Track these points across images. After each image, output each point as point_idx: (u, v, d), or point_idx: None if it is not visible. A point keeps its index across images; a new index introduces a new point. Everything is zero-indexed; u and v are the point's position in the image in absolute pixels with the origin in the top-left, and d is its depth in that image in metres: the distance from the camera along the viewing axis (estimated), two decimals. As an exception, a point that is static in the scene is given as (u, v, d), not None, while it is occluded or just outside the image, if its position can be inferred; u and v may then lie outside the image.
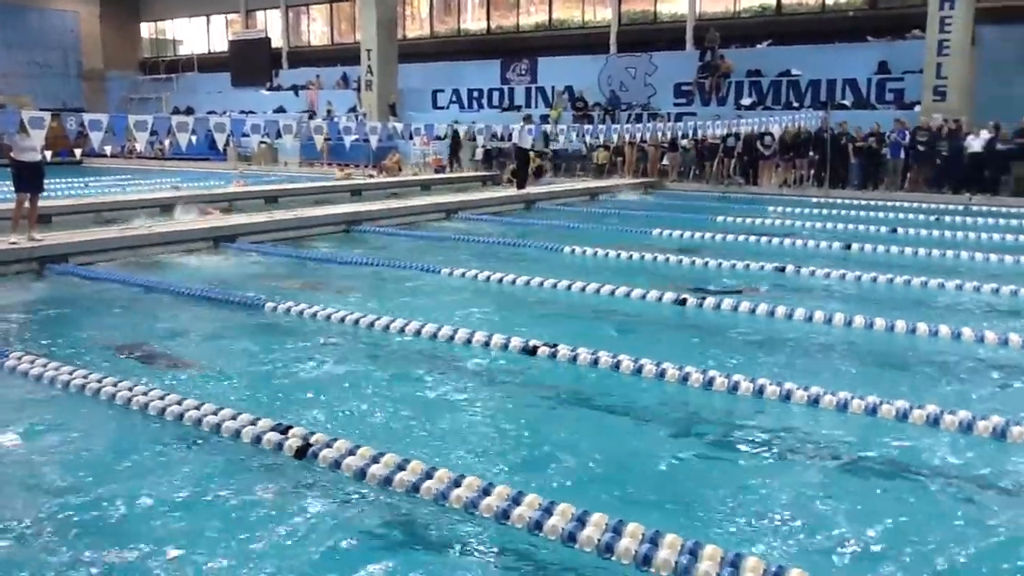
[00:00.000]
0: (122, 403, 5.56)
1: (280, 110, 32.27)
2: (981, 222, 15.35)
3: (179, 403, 5.44)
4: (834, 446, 5.12)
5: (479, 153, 25.36)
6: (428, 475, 4.44)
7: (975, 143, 18.68)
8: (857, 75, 23.53)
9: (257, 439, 4.95)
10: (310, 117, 27.39)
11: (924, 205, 17.67)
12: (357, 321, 7.72)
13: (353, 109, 30.14)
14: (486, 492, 4.25)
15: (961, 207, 17.20)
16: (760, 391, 5.88)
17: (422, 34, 34.60)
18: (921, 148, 19.48)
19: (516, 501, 4.14)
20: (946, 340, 7.35)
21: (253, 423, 5.11)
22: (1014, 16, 23.43)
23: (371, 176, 23.16)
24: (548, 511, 4.05)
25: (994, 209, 16.90)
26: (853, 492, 4.51)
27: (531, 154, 20.40)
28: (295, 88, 34.23)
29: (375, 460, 4.60)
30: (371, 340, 7.39)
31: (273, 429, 5.02)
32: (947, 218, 15.84)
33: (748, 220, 15.24)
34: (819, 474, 4.73)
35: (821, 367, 6.75)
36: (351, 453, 4.68)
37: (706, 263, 11.01)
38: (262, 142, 23.40)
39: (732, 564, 3.61)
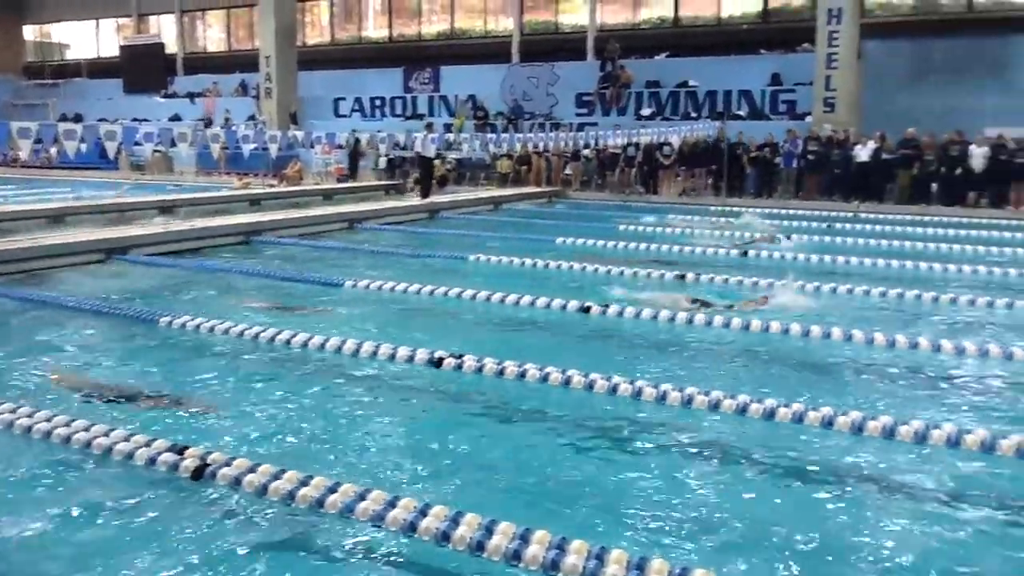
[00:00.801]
0: (3, 427, 5.28)
1: (176, 118, 31.38)
2: (868, 228, 15.97)
3: (67, 425, 5.19)
4: (736, 448, 5.22)
5: (382, 162, 25.16)
6: (332, 489, 4.35)
7: (862, 153, 19.47)
8: (752, 87, 24.29)
9: (152, 461, 4.75)
10: (207, 125, 26.68)
11: (816, 212, 18.32)
12: (257, 335, 7.52)
13: (252, 117, 29.52)
14: (392, 504, 4.19)
15: (850, 214, 17.87)
16: (663, 396, 5.97)
17: (322, 41, 34.18)
18: (812, 157, 20.21)
19: (423, 512, 4.10)
20: (838, 342, 7.61)
21: (147, 444, 4.91)
22: (897, 31, 24.63)
23: (271, 186, 22.71)
24: (455, 521, 4.02)
25: (880, 216, 17.61)
26: (757, 492, 4.61)
27: (435, 163, 20.33)
28: (191, 95, 33.36)
29: (277, 477, 4.48)
30: (273, 354, 7.21)
31: (169, 450, 4.83)
32: (837, 224, 16.45)
33: (649, 228, 15.51)
34: (722, 475, 4.82)
35: (720, 371, 6.90)
36: (251, 471, 4.55)
37: (608, 271, 11.15)
38: (156, 151, 22.69)
39: (638, 567, 3.64)
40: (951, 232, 15.39)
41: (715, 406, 5.80)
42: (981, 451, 5.12)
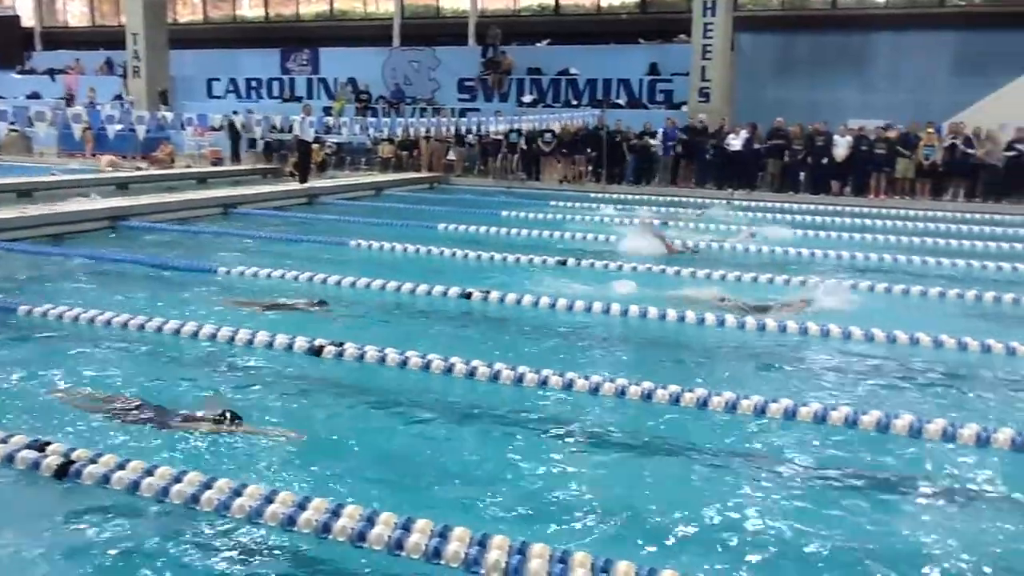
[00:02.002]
0: None
1: (34, 96, 29.57)
2: (741, 215, 16.52)
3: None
4: (614, 430, 5.33)
5: (259, 145, 24.43)
6: (208, 485, 4.20)
7: (735, 142, 20.11)
8: (630, 76, 24.71)
9: (10, 458, 4.48)
10: (68, 104, 25.31)
11: (692, 199, 18.82)
12: (126, 324, 7.20)
13: (119, 97, 28.15)
14: (269, 500, 4.08)
15: (724, 201, 18.42)
16: (544, 382, 6.03)
17: (195, 19, 32.91)
18: (688, 146, 20.74)
19: (302, 506, 4.02)
20: (711, 327, 7.85)
21: (4, 441, 4.62)
22: (767, 26, 25.54)
23: (139, 168, 21.72)
24: (336, 513, 3.96)
25: (753, 204, 18.23)
26: (651, 475, 4.70)
27: (313, 147, 19.87)
28: (51, 72, 31.52)
29: (149, 473, 4.29)
30: (144, 344, 6.91)
31: (28, 447, 4.57)
32: (711, 212, 16.93)
33: (531, 215, 15.61)
34: (603, 457, 4.90)
35: (600, 356, 7.01)
36: (121, 467, 4.35)
37: (491, 257, 11.16)
38: (12, 130, 21.39)
39: (520, 552, 3.67)
40: (817, 219, 16.06)
41: (595, 389, 5.92)
42: (845, 426, 5.41)
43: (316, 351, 6.62)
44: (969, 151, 18.35)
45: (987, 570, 3.81)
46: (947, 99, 20.99)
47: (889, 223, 15.77)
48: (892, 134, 19.20)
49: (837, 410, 5.53)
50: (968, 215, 16.82)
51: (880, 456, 5.06)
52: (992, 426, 5.27)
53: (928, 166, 18.71)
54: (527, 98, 25.27)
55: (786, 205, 17.99)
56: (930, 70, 23.53)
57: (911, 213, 17.09)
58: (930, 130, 18.78)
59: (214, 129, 21.07)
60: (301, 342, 6.70)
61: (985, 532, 4.20)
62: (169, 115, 16.74)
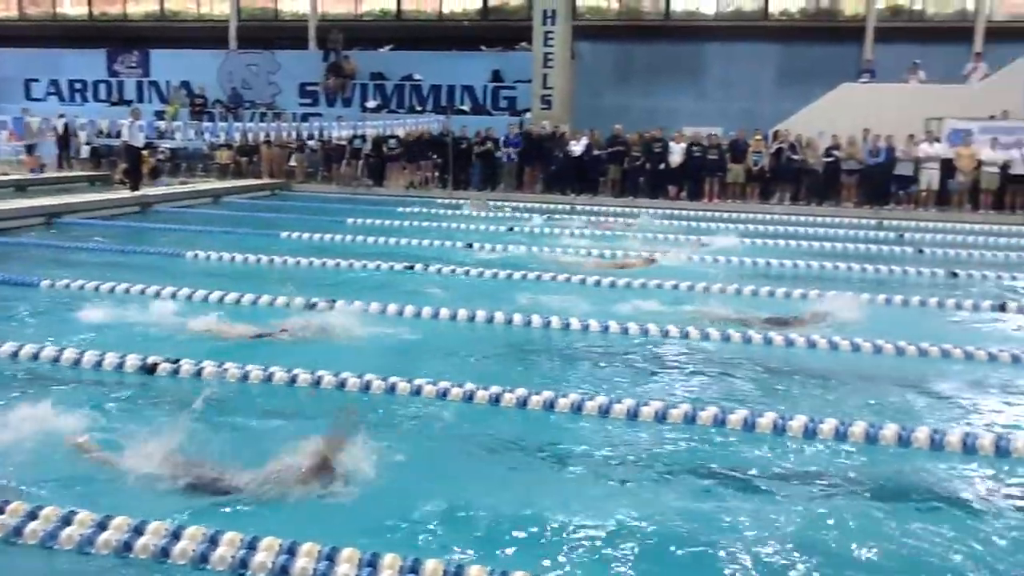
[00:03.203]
0: None
1: None
2: (585, 219, 16.87)
3: None
4: (480, 434, 5.32)
5: (85, 151, 23.09)
6: (32, 516, 3.93)
7: (576, 148, 20.57)
8: (474, 82, 24.88)
9: None
10: None
11: (537, 205, 19.05)
12: (-68, 345, 6.62)
13: (-76, 98, 25.96)
14: (102, 527, 3.85)
15: (568, 207, 18.78)
16: (392, 388, 5.99)
17: (9, 16, 30.76)
18: (532, 152, 21.06)
19: (138, 531, 3.82)
20: (556, 329, 7.96)
21: None
22: (605, 35, 26.29)
23: (-52, 175, 20.09)
24: (176, 536, 3.80)
25: (594, 208, 18.69)
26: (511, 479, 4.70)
27: (143, 153, 18.92)
28: None
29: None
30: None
31: None
32: (556, 216, 17.21)
33: (377, 221, 15.43)
34: (453, 461, 4.87)
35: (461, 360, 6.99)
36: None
37: (337, 264, 10.96)
38: None
39: (369, 564, 3.64)
40: (656, 223, 16.59)
41: (442, 394, 5.93)
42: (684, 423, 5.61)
43: (150, 369, 6.29)
44: (793, 157, 19.47)
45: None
46: (772, 108, 22.24)
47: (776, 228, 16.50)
48: (723, 141, 20.16)
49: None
50: (794, 216, 17.82)
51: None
52: (818, 417, 5.60)
53: (757, 171, 19.73)
54: (371, 103, 25.01)
55: (626, 209, 18.52)
56: (757, 80, 24.89)
57: (743, 216, 17.95)
58: (758, 137, 19.82)
59: (34, 134, 19.75)
60: (133, 360, 6.36)
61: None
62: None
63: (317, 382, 6.10)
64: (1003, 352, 7.39)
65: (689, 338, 7.76)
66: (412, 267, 10.78)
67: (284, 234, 13.39)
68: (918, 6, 25.55)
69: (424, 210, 17.36)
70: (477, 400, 5.84)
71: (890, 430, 5.44)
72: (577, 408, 5.73)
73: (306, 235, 13.33)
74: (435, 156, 21.50)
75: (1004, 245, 14.82)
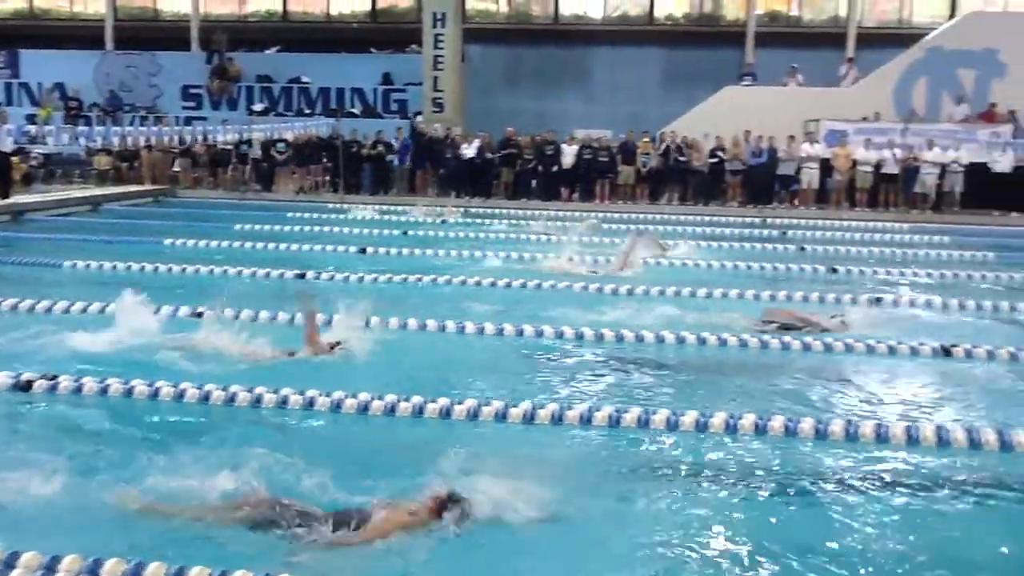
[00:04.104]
0: None
1: None
2: (478, 223, 16.88)
3: None
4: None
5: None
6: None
7: (468, 151, 20.56)
8: (364, 85, 24.60)
9: None
10: None
11: (430, 208, 18.92)
12: None
13: None
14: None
15: (462, 209, 18.70)
16: (284, 401, 5.86)
17: None
18: (424, 155, 20.94)
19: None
20: (457, 333, 7.92)
21: None
22: (495, 38, 26.41)
23: None
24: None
25: (489, 211, 18.70)
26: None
27: (12, 159, 17.93)
28: None
29: None
30: None
31: None
32: (451, 220, 17.16)
33: (266, 227, 15.05)
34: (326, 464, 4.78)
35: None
36: None
37: (225, 271, 10.64)
38: None
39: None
40: (549, 224, 16.70)
41: (337, 406, 5.83)
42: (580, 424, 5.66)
43: (24, 387, 5.96)
44: (680, 159, 19.94)
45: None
46: (659, 110, 22.75)
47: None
48: (613, 143, 20.48)
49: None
50: (682, 216, 18.24)
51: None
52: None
53: (646, 172, 20.12)
54: (257, 107, 24.45)
55: (520, 211, 18.61)
56: (643, 83, 25.44)
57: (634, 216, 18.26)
58: (646, 139, 20.22)
59: None
60: (5, 378, 6.01)
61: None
62: None
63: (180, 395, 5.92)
64: (880, 344, 7.72)
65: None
66: (303, 275, 10.58)
67: (168, 241, 12.93)
68: (795, 12, 26.57)
69: (315, 215, 17.02)
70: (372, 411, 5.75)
71: (777, 421, 5.67)
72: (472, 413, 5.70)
73: (191, 242, 12.90)
74: (325, 160, 21.15)
75: (879, 241, 15.52)
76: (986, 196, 19.07)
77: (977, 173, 19.06)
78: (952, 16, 24.11)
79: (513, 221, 17.14)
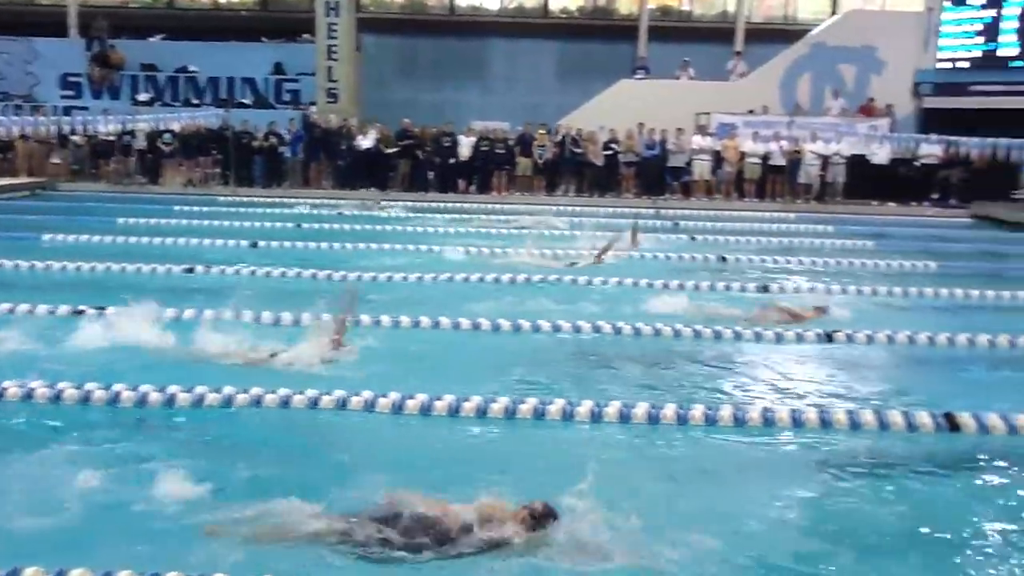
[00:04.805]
0: None
1: None
2: (383, 216, 16.61)
3: None
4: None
5: None
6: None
7: (364, 142, 20.28)
8: (255, 74, 23.94)
9: None
10: None
11: (325, 201, 18.58)
12: None
13: None
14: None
15: (360, 201, 18.36)
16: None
17: None
18: (318, 147, 20.55)
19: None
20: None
21: None
22: (391, 28, 26.10)
23: None
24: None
25: (394, 202, 18.44)
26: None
27: None
28: None
29: None
30: None
31: None
32: (347, 212, 16.87)
33: (153, 221, 14.51)
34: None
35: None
36: None
37: (108, 268, 10.21)
38: None
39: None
40: (447, 216, 16.64)
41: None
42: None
43: None
44: (576, 151, 20.13)
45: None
46: (555, 102, 22.93)
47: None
48: (511, 135, 20.52)
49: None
50: (578, 208, 18.39)
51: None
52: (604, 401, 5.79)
53: (543, 164, 20.24)
54: (142, 96, 23.50)
55: (418, 204, 18.45)
56: (539, 75, 25.57)
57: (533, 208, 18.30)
58: (542, 131, 20.33)
59: None
60: None
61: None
62: None
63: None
64: (767, 331, 7.95)
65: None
66: (192, 269, 10.25)
67: (47, 236, 12.34)
68: (686, 7, 27.13)
69: (205, 209, 16.49)
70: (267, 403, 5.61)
71: (670, 409, 5.76)
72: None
73: (71, 237, 12.33)
74: (215, 152, 20.52)
75: (767, 231, 16.00)
76: (866, 187, 19.92)
77: (857, 165, 19.89)
78: (834, 13, 25.01)
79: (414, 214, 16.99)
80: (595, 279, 10.19)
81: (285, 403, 5.69)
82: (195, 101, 23.42)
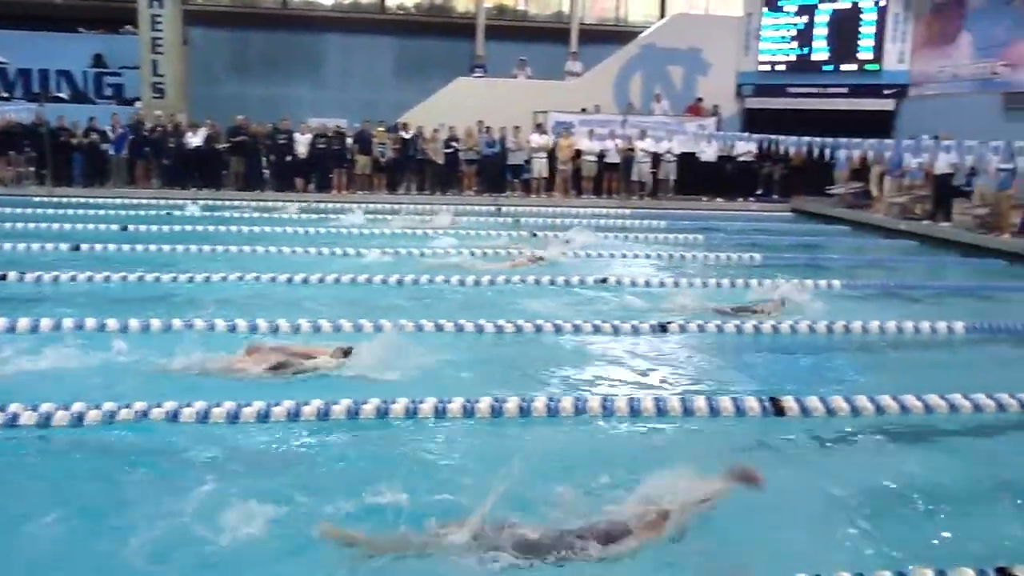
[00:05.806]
0: None
1: None
2: (211, 215, 15.98)
3: None
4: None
5: None
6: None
7: (194, 140, 19.46)
8: (72, 67, 22.53)
9: None
10: None
11: (153, 201, 17.69)
12: None
13: None
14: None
15: (190, 202, 17.57)
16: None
17: None
18: (144, 144, 19.55)
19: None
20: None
21: None
22: (220, 21, 25.15)
23: None
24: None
25: (219, 203, 17.80)
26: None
27: None
28: None
29: None
30: None
31: None
32: (177, 212, 16.12)
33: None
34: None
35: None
36: None
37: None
38: None
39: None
40: (286, 216, 16.18)
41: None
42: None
43: None
44: (417, 148, 20.04)
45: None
46: (393, 99, 22.79)
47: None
48: (349, 133, 20.19)
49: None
50: (419, 206, 18.28)
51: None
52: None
53: (384, 162, 20.03)
54: (-58, 89, 21.71)
55: (253, 203, 17.89)
56: (376, 72, 25.32)
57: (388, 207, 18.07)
58: (381, 128, 20.12)
59: None
60: None
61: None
62: None
63: None
64: (606, 323, 8.17)
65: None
66: (4, 276, 9.52)
67: None
68: (522, 7, 27.51)
69: (19, 210, 15.35)
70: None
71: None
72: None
73: None
74: (28, 149, 19.15)
75: (604, 226, 16.41)
76: (696, 183, 20.84)
77: (687, 162, 20.78)
78: (662, 16, 26.00)
79: (244, 212, 16.45)
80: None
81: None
82: (4, 95, 21.83)
